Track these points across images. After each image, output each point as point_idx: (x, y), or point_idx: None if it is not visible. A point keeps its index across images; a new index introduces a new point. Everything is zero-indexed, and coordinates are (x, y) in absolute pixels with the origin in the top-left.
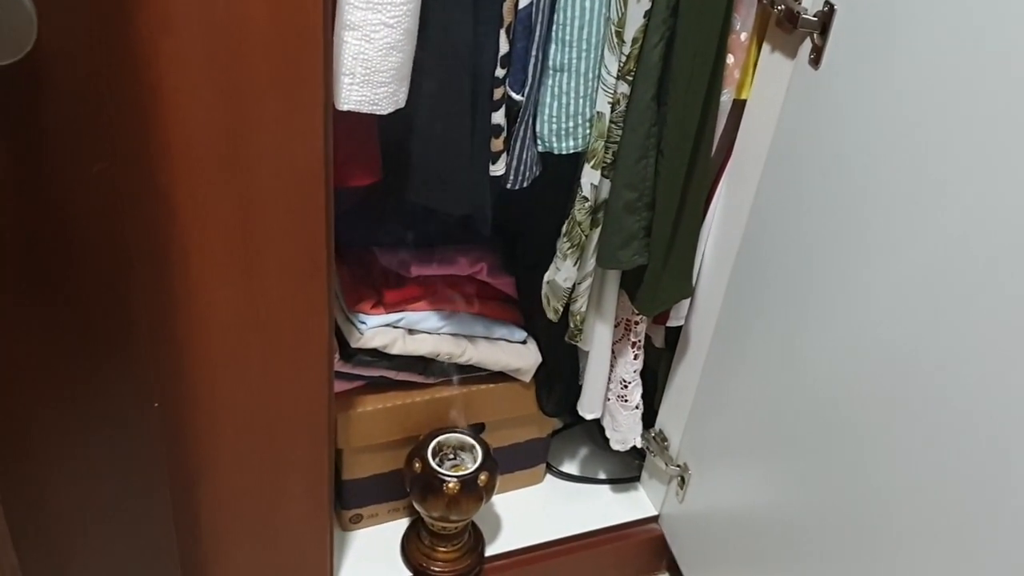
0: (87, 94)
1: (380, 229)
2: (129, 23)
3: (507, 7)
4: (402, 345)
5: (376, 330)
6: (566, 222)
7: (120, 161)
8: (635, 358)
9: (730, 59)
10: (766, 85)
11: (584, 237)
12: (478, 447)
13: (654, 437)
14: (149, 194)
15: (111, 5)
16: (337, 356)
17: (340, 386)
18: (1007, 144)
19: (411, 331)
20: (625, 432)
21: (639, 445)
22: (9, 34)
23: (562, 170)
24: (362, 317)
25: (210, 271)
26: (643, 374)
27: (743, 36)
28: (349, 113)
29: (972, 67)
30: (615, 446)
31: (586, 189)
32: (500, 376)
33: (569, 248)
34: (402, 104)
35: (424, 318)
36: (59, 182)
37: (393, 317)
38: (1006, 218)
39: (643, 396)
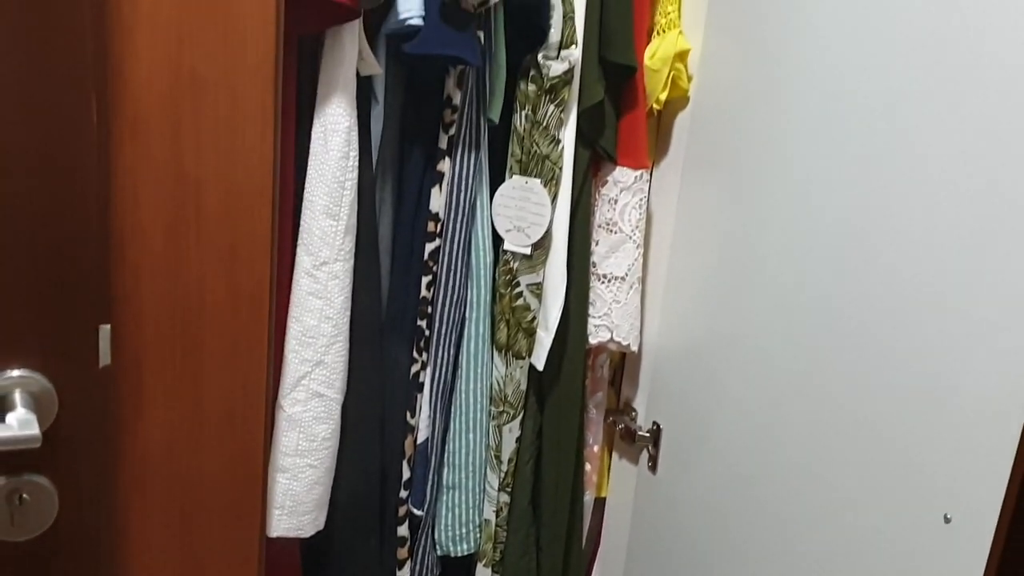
0: (98, 559)
1: None
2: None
3: (407, 443)
4: None
5: None
6: None
7: None
8: None
9: (587, 467)
10: (619, 486)
11: None
12: None
13: None
14: None
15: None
16: None
17: None
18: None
19: None
20: None
21: None
22: (35, 514)
23: (458, 570)
24: None
25: None
26: None
27: (595, 448)
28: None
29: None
30: None
31: None
32: None
33: None
34: (321, 526)
35: None
36: None
37: None
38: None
39: None
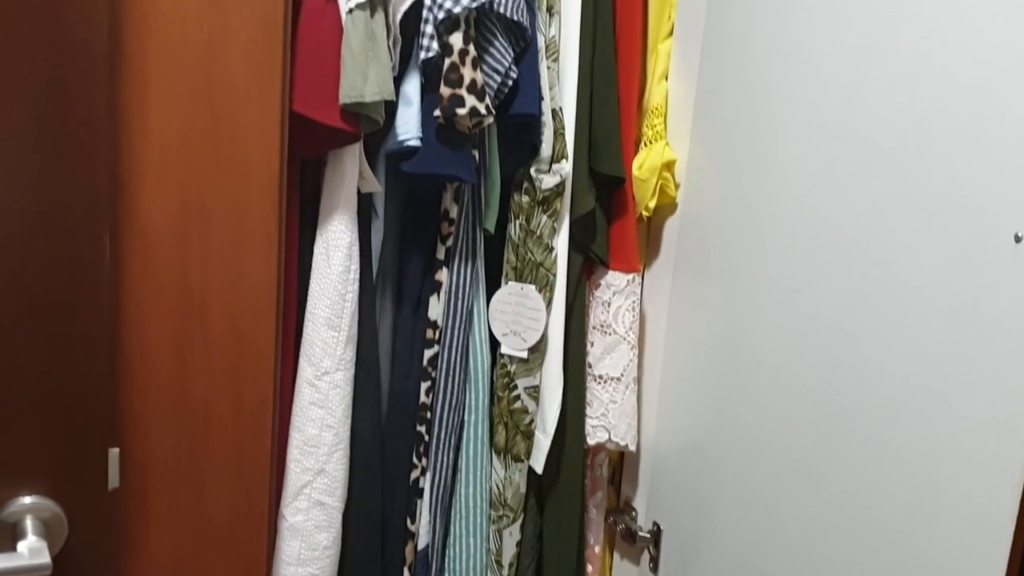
0: None
1: None
2: None
3: (408, 549)
4: None
5: None
6: None
7: None
8: None
9: (589, 568)
10: None
11: None
12: None
13: None
14: None
15: None
16: None
17: None
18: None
19: None
20: None
21: None
22: None
23: None
24: None
25: None
26: None
27: (596, 549)
28: None
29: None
30: None
31: None
32: None
33: None
34: None
35: None
36: None
37: None
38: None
39: None
